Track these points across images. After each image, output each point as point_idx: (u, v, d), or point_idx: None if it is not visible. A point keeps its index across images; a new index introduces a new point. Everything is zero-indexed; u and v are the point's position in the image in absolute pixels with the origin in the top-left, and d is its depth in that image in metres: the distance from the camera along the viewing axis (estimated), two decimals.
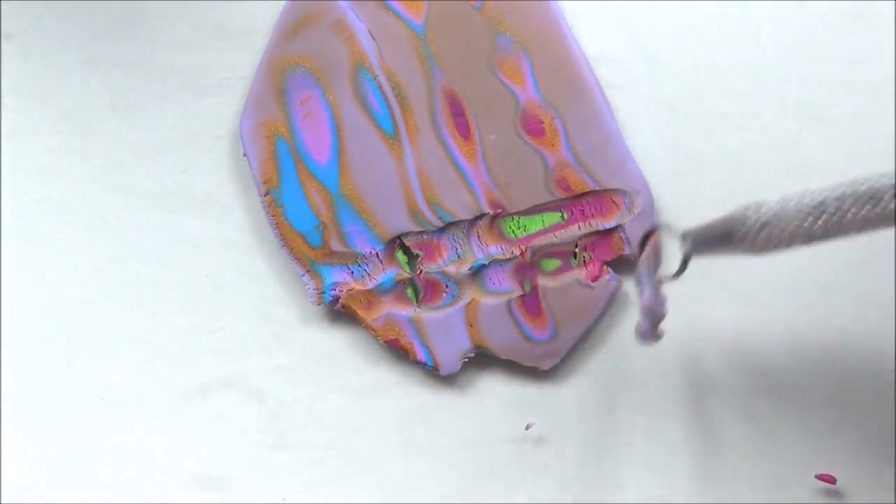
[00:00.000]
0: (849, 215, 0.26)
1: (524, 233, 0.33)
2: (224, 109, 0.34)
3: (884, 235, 0.29)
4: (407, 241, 0.33)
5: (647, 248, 0.30)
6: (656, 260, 0.30)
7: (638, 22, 0.34)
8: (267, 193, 0.33)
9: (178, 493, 0.33)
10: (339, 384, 0.34)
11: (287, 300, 0.34)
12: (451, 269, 0.33)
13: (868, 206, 0.26)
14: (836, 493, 0.32)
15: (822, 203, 0.27)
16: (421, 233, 0.33)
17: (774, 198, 0.27)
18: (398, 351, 0.33)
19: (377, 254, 0.33)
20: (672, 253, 0.30)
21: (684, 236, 0.29)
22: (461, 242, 0.33)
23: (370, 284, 0.33)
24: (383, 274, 0.33)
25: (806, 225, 0.27)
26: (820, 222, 0.27)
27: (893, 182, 0.26)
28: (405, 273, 0.33)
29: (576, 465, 0.33)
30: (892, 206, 0.26)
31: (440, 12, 0.33)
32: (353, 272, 0.33)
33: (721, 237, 0.28)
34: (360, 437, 0.33)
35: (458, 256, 0.33)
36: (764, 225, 0.27)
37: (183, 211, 0.34)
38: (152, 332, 0.34)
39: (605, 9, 0.34)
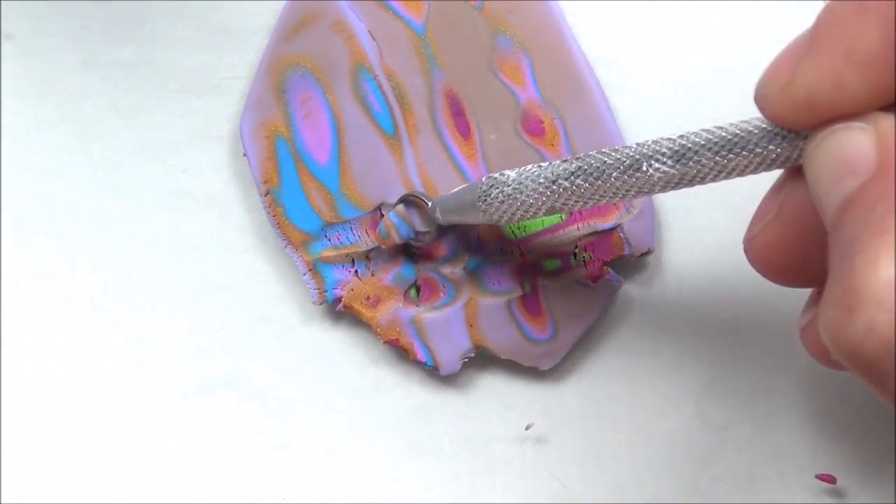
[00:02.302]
0: (583, 189, 0.27)
1: (524, 233, 0.33)
2: (224, 109, 0.34)
3: None
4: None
5: None
6: None
7: (638, 22, 0.34)
8: (267, 193, 0.33)
9: (178, 492, 0.33)
10: (339, 384, 0.34)
11: (287, 300, 0.34)
12: (447, 269, 0.33)
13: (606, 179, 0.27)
14: (837, 493, 0.32)
15: (556, 179, 0.28)
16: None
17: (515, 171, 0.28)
18: (398, 351, 0.33)
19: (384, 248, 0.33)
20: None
21: (433, 206, 0.31)
22: (458, 242, 0.33)
23: (385, 279, 0.33)
24: (391, 271, 0.33)
25: (544, 199, 0.28)
26: (557, 196, 0.28)
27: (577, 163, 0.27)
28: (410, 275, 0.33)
29: (576, 465, 0.33)
30: (652, 172, 0.26)
31: (440, 12, 0.33)
32: (357, 270, 0.33)
33: (465, 208, 0.30)
34: (360, 437, 0.33)
35: (454, 256, 0.33)
36: (504, 200, 0.28)
37: (183, 211, 0.34)
38: (152, 332, 0.34)
39: (605, 9, 0.34)
